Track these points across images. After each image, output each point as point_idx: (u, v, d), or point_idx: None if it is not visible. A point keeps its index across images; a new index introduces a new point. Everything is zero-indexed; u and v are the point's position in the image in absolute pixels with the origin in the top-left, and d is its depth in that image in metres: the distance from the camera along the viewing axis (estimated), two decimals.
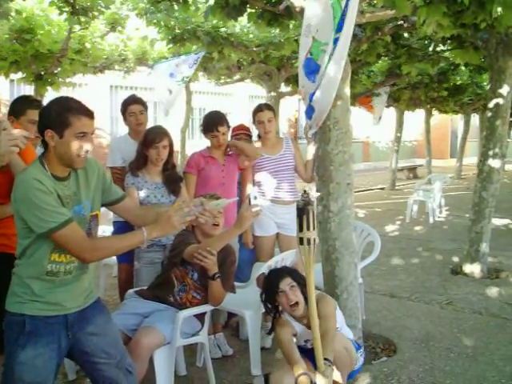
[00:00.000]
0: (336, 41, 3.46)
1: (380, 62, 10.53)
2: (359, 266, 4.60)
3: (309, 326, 3.27)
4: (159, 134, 4.09)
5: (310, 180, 4.98)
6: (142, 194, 4.06)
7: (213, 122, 4.47)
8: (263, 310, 3.66)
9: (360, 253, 4.95)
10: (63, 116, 2.41)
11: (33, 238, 2.44)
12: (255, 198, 3.42)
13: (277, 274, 3.39)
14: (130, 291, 3.84)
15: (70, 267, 2.55)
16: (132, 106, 4.57)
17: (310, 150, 4.76)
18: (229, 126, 4.56)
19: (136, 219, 2.86)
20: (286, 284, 3.31)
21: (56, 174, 2.48)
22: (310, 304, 3.05)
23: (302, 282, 3.32)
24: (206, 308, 3.64)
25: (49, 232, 2.37)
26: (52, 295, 2.51)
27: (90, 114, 2.48)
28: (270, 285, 3.36)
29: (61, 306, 2.53)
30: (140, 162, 4.15)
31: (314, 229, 2.89)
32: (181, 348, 3.71)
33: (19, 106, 3.57)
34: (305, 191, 3.42)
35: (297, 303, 3.29)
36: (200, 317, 3.65)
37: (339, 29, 3.43)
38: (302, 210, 2.95)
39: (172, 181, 4.20)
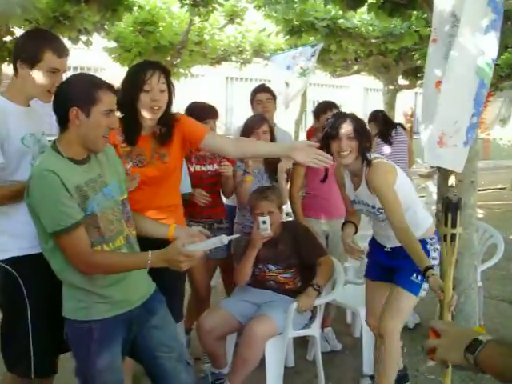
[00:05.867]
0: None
1: (506, 54, 9.95)
2: (479, 269, 4.38)
3: (356, 186, 3.17)
4: (258, 120, 4.07)
5: None
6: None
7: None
8: None
9: (481, 255, 4.71)
10: (90, 92, 2.18)
11: None
12: (264, 222, 3.42)
13: (341, 119, 3.10)
14: None
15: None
16: (260, 94, 4.64)
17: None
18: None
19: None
20: (346, 132, 3.04)
21: (74, 157, 2.25)
22: (445, 303, 2.86)
23: (362, 133, 3.09)
24: (321, 301, 3.63)
25: (53, 234, 2.16)
26: (115, 292, 2.32)
27: (114, 90, 2.28)
28: (331, 128, 3.09)
29: (127, 301, 2.37)
30: None
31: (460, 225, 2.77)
32: (291, 339, 3.71)
33: None
34: (452, 186, 3.26)
35: (350, 152, 3.07)
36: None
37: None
38: (456, 205, 2.76)
39: (274, 168, 4.18)
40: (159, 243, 2.36)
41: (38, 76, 2.52)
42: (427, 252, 3.11)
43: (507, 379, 1.35)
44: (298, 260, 3.63)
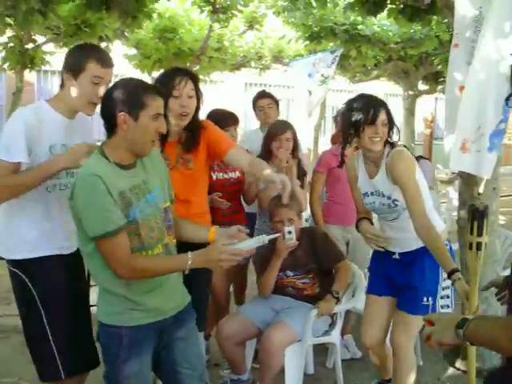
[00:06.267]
0: None
1: None
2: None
3: (373, 174, 3.06)
4: (281, 126, 4.03)
5: None
6: None
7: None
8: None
9: (502, 262, 4.65)
10: (138, 96, 2.18)
11: None
12: (289, 232, 3.42)
13: (378, 106, 2.98)
14: None
15: None
16: (260, 100, 4.67)
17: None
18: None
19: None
20: (382, 119, 2.96)
21: (121, 162, 2.24)
22: (470, 312, 2.69)
23: (391, 120, 3.02)
24: (341, 308, 3.61)
25: (95, 238, 2.15)
26: (149, 300, 2.29)
27: (161, 94, 2.29)
28: (367, 114, 2.94)
29: (160, 310, 2.33)
30: (265, 156, 4.02)
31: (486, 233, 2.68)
32: (310, 346, 3.69)
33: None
34: (479, 193, 3.17)
35: (381, 138, 2.98)
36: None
37: None
38: (483, 213, 2.68)
39: (297, 174, 4.14)
40: (197, 248, 2.34)
41: (81, 85, 2.55)
42: None
43: (490, 347, 1.70)
44: (316, 265, 3.62)
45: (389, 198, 3.02)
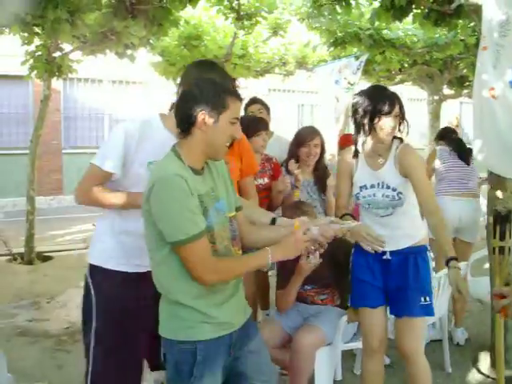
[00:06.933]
0: None
1: None
2: None
3: (378, 166, 3.02)
4: (310, 132, 4.09)
5: None
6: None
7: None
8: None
9: None
10: (221, 97, 2.09)
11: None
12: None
13: (395, 97, 2.98)
14: None
15: None
16: (251, 107, 4.67)
17: None
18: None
19: (247, 236, 2.38)
20: (396, 110, 2.94)
21: (193, 166, 2.12)
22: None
23: (403, 113, 3.00)
24: None
25: (176, 243, 2.02)
26: (220, 313, 2.15)
27: (241, 99, 2.20)
28: (383, 104, 2.92)
29: (230, 323, 2.19)
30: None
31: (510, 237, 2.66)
32: (339, 352, 3.67)
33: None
34: (498, 198, 3.14)
35: (392, 131, 2.97)
36: None
37: None
38: (506, 218, 2.68)
39: (323, 181, 4.17)
40: None
41: None
42: (428, 260, 3.06)
43: None
44: (336, 276, 3.55)
45: (394, 190, 3.00)
